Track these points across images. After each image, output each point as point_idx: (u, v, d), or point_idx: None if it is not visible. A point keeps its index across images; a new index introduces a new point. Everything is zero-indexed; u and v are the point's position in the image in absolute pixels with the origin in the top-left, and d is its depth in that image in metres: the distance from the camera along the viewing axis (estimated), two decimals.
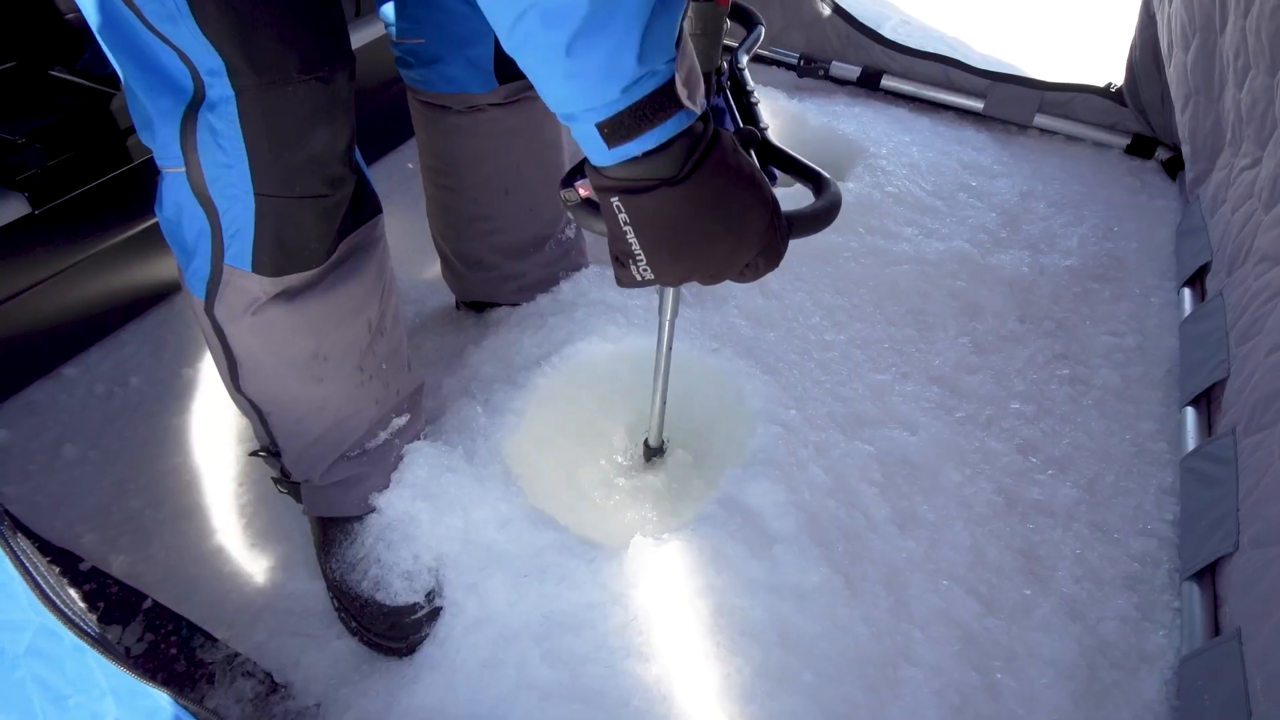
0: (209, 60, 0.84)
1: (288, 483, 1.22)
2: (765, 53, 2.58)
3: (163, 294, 1.65)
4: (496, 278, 1.53)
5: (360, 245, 1.07)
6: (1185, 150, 1.94)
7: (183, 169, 0.92)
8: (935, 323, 1.64)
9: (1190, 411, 1.45)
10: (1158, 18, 2.02)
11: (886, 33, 2.64)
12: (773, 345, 1.51)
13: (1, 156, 1.28)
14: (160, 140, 0.92)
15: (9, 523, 0.75)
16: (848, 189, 1.89)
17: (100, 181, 1.42)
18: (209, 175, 0.91)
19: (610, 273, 1.60)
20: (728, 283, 0.89)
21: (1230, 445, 1.25)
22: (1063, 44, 2.86)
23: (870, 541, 1.22)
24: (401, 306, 1.56)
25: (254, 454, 1.23)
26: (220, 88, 0.86)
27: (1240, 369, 1.35)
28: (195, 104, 0.88)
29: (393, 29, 1.30)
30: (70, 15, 1.28)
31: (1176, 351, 1.62)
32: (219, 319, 1.02)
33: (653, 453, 1.30)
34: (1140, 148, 2.24)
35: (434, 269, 1.64)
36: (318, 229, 0.98)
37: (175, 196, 0.95)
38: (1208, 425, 1.42)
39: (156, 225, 1.54)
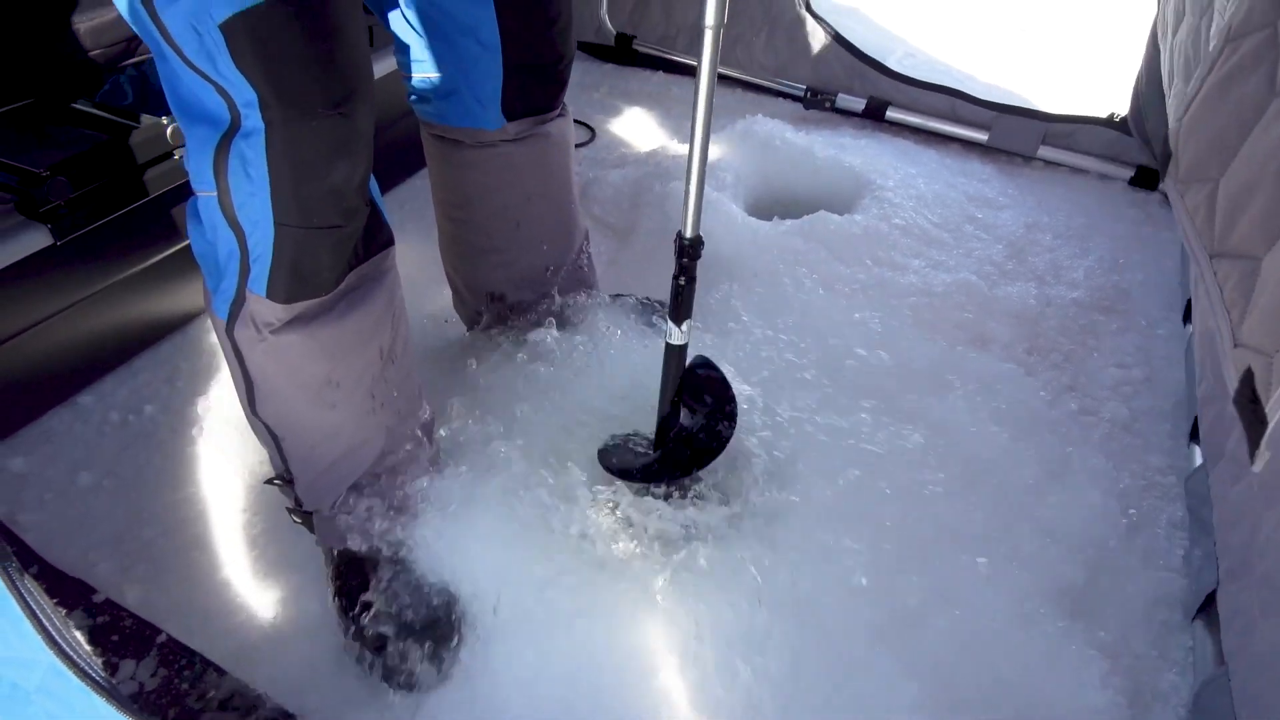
0: (244, 93, 0.89)
1: (301, 512, 1.23)
2: (772, 84, 2.62)
3: (178, 323, 1.67)
4: (507, 308, 1.55)
5: (371, 275, 1.09)
6: None
7: (214, 193, 0.96)
8: (938, 337, 1.65)
9: (1195, 446, 1.46)
10: (1161, 47, 2.05)
11: (892, 65, 2.67)
12: (779, 372, 1.52)
13: (26, 189, 1.31)
14: (195, 165, 0.97)
15: (16, 564, 0.76)
16: (855, 221, 1.91)
17: (120, 213, 1.45)
18: (237, 201, 0.95)
19: (619, 301, 1.63)
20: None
21: (1204, 479, 1.27)
22: (1067, 75, 2.89)
23: (888, 571, 1.23)
24: (413, 336, 1.58)
25: (269, 482, 1.24)
26: (253, 119, 0.90)
27: (1201, 400, 1.37)
28: (230, 133, 0.93)
29: (406, 64, 1.33)
30: (96, 53, 1.31)
31: (1184, 384, 1.63)
32: (239, 341, 1.05)
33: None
34: (1145, 179, 2.27)
35: (445, 299, 1.66)
36: (330, 258, 1.01)
37: (211, 219, 0.99)
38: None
39: (172, 256, 1.59)
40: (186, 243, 1.59)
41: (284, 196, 0.94)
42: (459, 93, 1.32)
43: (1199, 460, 1.42)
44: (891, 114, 2.47)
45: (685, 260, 1.08)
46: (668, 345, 1.15)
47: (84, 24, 1.29)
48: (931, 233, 1.95)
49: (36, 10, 1.32)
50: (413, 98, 1.38)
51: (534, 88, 1.34)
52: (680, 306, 1.11)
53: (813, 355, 1.57)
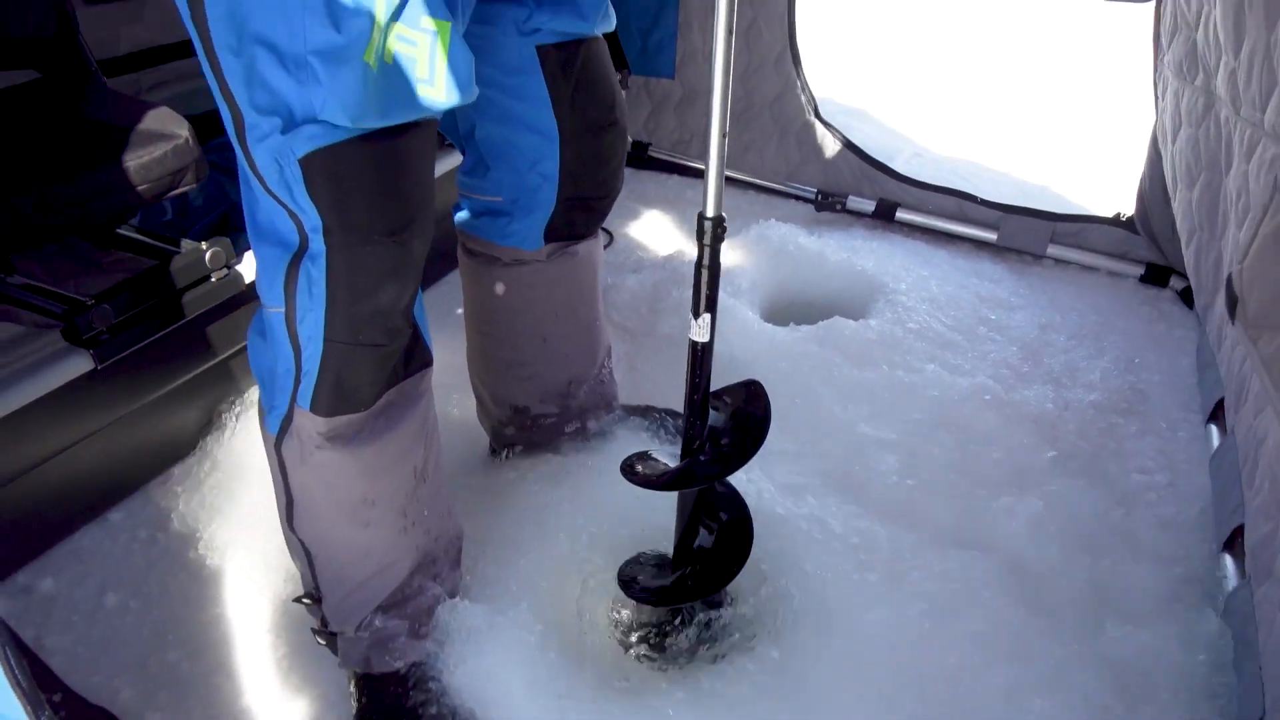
0: (313, 219, 0.96)
1: (326, 633, 1.24)
2: (783, 187, 2.70)
3: (208, 437, 1.70)
4: (530, 422, 1.58)
5: (408, 393, 1.14)
6: (1192, 282, 1.98)
7: (282, 309, 1.02)
8: (964, 462, 1.65)
9: (1227, 556, 1.44)
10: (1162, 153, 2.11)
11: (900, 165, 2.75)
12: (799, 489, 1.53)
13: (73, 318, 1.36)
14: (266, 282, 1.04)
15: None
16: (870, 326, 1.94)
17: (158, 336, 1.50)
18: (299, 317, 1.02)
19: (638, 416, 1.65)
20: None
21: (1248, 598, 1.24)
22: (1072, 174, 2.96)
23: (921, 689, 1.21)
24: (443, 453, 1.61)
25: (297, 600, 1.26)
26: (318, 243, 0.98)
27: (1250, 515, 1.35)
28: (300, 255, 1.00)
29: (468, 184, 1.40)
30: (143, 187, 1.38)
31: (1209, 490, 1.62)
32: (285, 457, 1.10)
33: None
34: (1155, 276, 2.30)
35: (470, 407, 1.69)
36: (372, 374, 1.06)
37: (277, 334, 1.05)
38: (1241, 570, 1.40)
39: (202, 375, 1.64)
40: (219, 359, 1.65)
41: (336, 314, 1.01)
42: (510, 215, 1.39)
43: (1232, 574, 1.40)
44: (902, 215, 2.53)
45: (708, 243, 1.02)
46: (691, 343, 1.09)
47: (133, 162, 1.37)
48: (946, 336, 1.98)
49: (92, 150, 1.40)
50: (460, 211, 1.45)
51: (580, 218, 1.41)
52: (702, 296, 1.04)
53: (833, 471, 1.57)
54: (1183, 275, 2.25)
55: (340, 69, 0.89)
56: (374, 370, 1.06)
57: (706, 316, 1.05)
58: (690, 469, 1.18)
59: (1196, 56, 1.76)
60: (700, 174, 2.80)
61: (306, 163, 0.93)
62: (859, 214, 2.59)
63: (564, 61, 1.24)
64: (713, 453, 1.18)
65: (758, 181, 2.73)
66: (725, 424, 1.20)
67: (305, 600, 1.23)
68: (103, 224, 1.56)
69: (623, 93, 1.33)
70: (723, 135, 0.97)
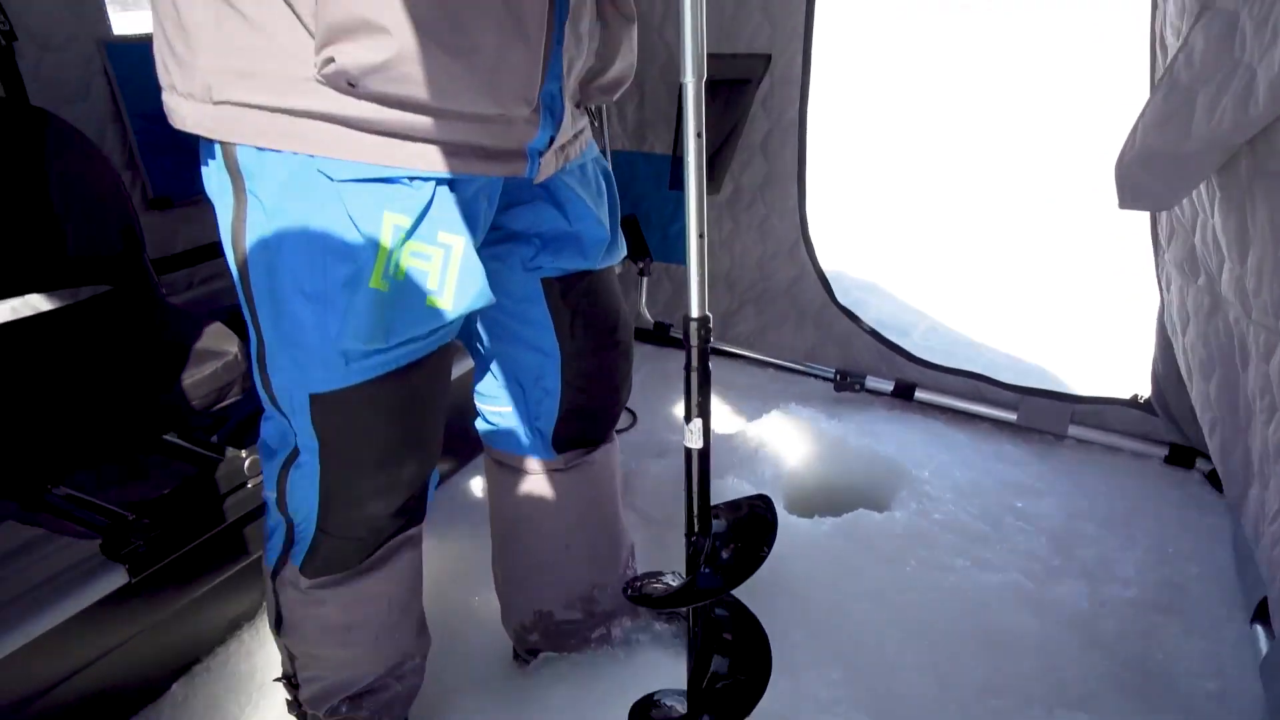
0: (311, 443, 1.10)
1: (299, 711, 1.37)
2: (802, 368, 2.77)
3: (239, 625, 1.70)
4: (554, 627, 1.56)
5: (393, 547, 1.27)
6: (1220, 471, 1.97)
7: (275, 495, 1.20)
8: (1001, 678, 1.59)
9: None
10: (1174, 341, 2.15)
11: (915, 338, 2.83)
12: (823, 692, 1.48)
13: (112, 533, 1.40)
14: (267, 471, 1.21)
15: None
16: (895, 519, 1.94)
17: (195, 544, 1.53)
18: (291, 505, 1.19)
19: (660, 624, 1.63)
20: None
21: None
22: (1084, 348, 3.02)
23: None
24: (466, 658, 1.59)
25: (277, 680, 1.41)
26: (311, 459, 1.12)
27: None
28: (291, 459, 1.15)
29: (480, 393, 1.46)
30: (195, 401, 1.45)
31: (1262, 699, 1.55)
32: (277, 587, 1.28)
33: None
34: (1180, 457, 2.29)
35: (495, 609, 1.67)
36: (358, 554, 1.22)
37: (273, 512, 1.22)
38: None
39: (238, 574, 1.65)
40: (251, 559, 1.66)
41: (327, 514, 1.16)
42: (521, 428, 1.44)
43: None
44: (920, 395, 2.57)
45: (695, 344, 0.99)
46: (685, 450, 1.05)
47: (188, 379, 1.45)
48: (972, 527, 1.96)
49: (151, 369, 1.49)
50: (479, 419, 1.50)
51: (587, 427, 1.45)
52: (694, 401, 1.01)
53: (864, 691, 1.52)
54: (1207, 457, 2.25)
55: (353, 297, 0.97)
56: (360, 551, 1.22)
57: (698, 422, 1.02)
58: (692, 585, 1.13)
59: (1197, 259, 1.84)
60: (723, 354, 2.91)
61: (315, 399, 1.05)
62: (878, 393, 2.64)
63: (565, 291, 1.30)
64: (716, 566, 1.13)
65: (777, 362, 2.81)
66: (728, 535, 1.16)
67: (283, 681, 1.38)
68: (150, 431, 1.63)
69: (626, 311, 1.41)
70: (700, 236, 0.98)
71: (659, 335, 2.98)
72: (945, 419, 2.50)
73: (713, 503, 1.16)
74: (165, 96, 0.98)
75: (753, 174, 2.70)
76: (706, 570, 1.13)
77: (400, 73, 0.86)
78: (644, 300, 2.92)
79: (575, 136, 1.18)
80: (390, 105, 0.90)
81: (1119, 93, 7.50)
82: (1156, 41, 1.84)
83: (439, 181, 0.99)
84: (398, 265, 0.98)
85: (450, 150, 0.96)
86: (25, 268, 1.58)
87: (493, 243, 1.22)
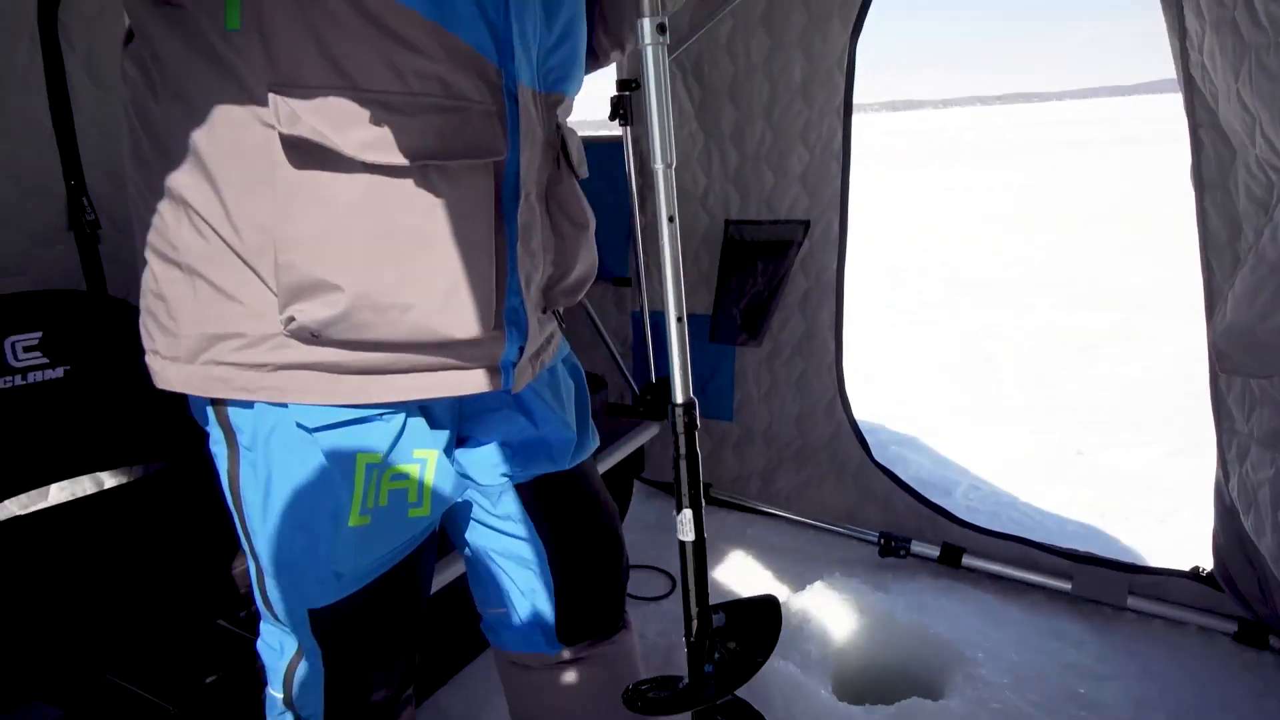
0: (314, 648, 1.12)
1: None
2: (844, 530, 2.71)
3: None
4: None
5: (396, 713, 1.23)
6: None
7: (282, 695, 1.19)
8: None
9: None
10: (1242, 517, 2.07)
11: (957, 497, 2.77)
12: None
13: None
14: (270, 672, 1.19)
15: None
16: (951, 709, 1.84)
17: None
18: (297, 702, 1.17)
19: None
20: None
21: None
22: (1138, 509, 2.94)
23: None
24: None
25: None
26: (315, 661, 1.13)
27: None
28: (296, 660, 1.15)
29: (478, 598, 1.42)
30: (245, 590, 1.45)
31: None
32: None
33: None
34: (1250, 635, 2.17)
35: None
36: None
37: (276, 706, 1.20)
38: None
39: None
40: None
41: (334, 707, 1.16)
42: (519, 624, 1.39)
43: None
44: (968, 561, 2.50)
45: (681, 431, 0.95)
46: (680, 543, 1.00)
47: (239, 567, 1.45)
48: (1034, 718, 1.85)
49: (207, 551, 1.50)
50: (481, 621, 1.47)
51: (588, 618, 1.40)
52: (684, 490, 0.96)
53: None
54: None
55: (337, 533, 1.03)
56: None
57: (688, 512, 0.98)
58: (689, 690, 1.05)
59: None
60: (762, 513, 2.87)
61: (314, 614, 1.08)
62: (923, 558, 2.56)
63: (539, 492, 1.28)
64: (717, 667, 1.06)
65: (818, 524, 2.76)
66: (728, 632, 1.09)
67: None
68: (201, 614, 1.62)
69: (609, 498, 1.37)
70: (680, 320, 0.97)
71: None
72: (996, 589, 2.41)
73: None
74: (149, 359, 1.03)
75: (791, 331, 2.74)
76: (709, 668, 1.07)
77: (357, 321, 0.92)
78: None
79: (547, 341, 1.19)
80: (355, 349, 0.95)
81: (1158, 242, 7.63)
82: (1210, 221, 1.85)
83: (409, 412, 1.03)
84: (378, 495, 1.03)
85: (421, 378, 1.00)
86: (92, 449, 1.64)
87: (463, 448, 1.22)
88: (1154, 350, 4.80)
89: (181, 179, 0.93)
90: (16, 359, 1.60)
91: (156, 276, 0.99)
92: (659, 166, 0.84)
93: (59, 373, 1.66)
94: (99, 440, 1.69)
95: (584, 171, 1.17)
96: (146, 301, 1.01)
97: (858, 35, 2.34)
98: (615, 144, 2.72)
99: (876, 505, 2.69)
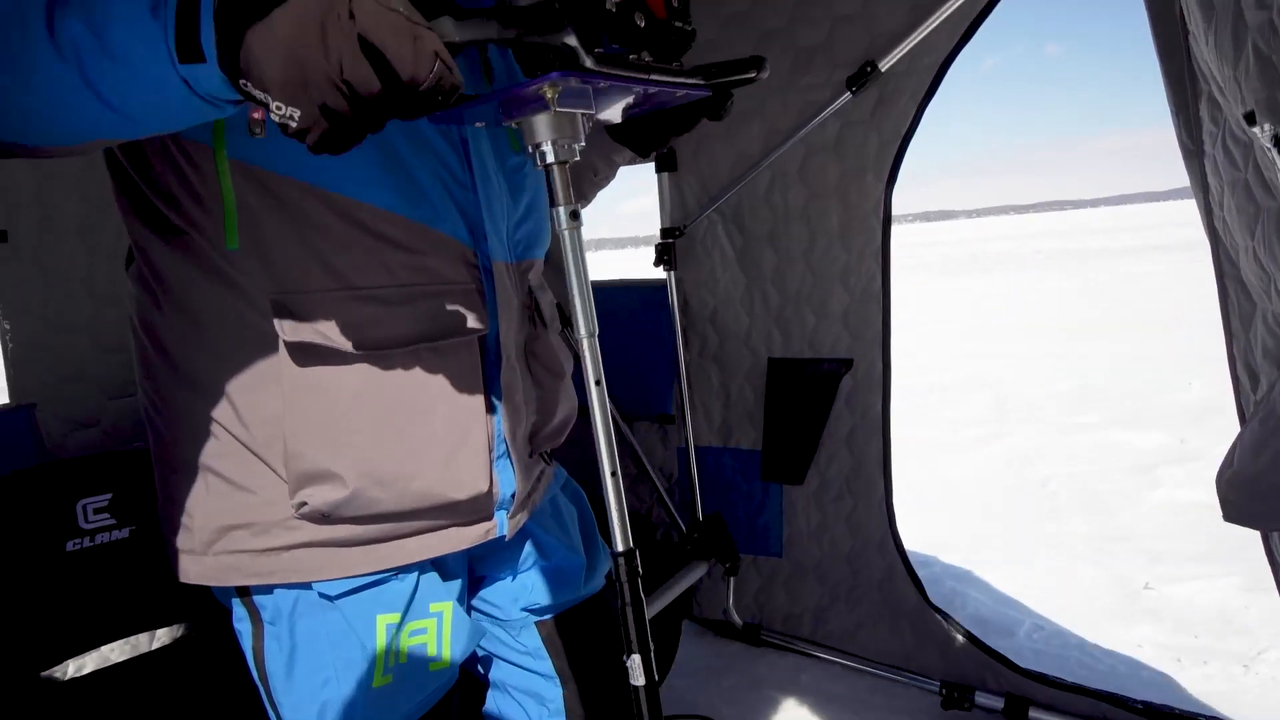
0: None
1: None
2: (902, 678, 2.60)
3: None
4: None
5: None
6: None
7: None
8: None
9: None
10: None
11: (1020, 638, 2.64)
12: None
13: None
14: None
15: None
16: None
17: None
18: None
19: None
20: None
21: None
22: (1221, 654, 2.77)
23: None
24: None
25: None
26: None
27: None
28: None
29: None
30: None
31: None
32: None
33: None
34: None
35: None
36: None
37: None
38: None
39: None
40: None
41: None
42: None
43: None
44: (1035, 715, 2.36)
45: (624, 579, 0.95)
46: (633, 687, 0.97)
47: None
48: None
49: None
50: None
51: None
52: (631, 635, 0.96)
53: None
54: None
55: (365, 694, 1.04)
56: None
57: (636, 657, 0.97)
58: None
59: None
60: (816, 656, 2.76)
61: None
62: (989, 710, 2.43)
63: (559, 628, 1.29)
64: None
65: (876, 670, 2.64)
66: None
67: None
68: None
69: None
70: (613, 474, 0.96)
71: (749, 636, 2.87)
72: None
73: None
74: (170, 550, 1.07)
75: (839, 467, 2.72)
76: None
77: (366, 498, 0.99)
78: (731, 600, 2.86)
79: (537, 481, 1.23)
80: (364, 523, 1.01)
81: (1205, 353, 7.50)
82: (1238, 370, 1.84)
83: (422, 569, 1.09)
84: (398, 652, 1.06)
85: (427, 539, 1.07)
86: (149, 606, 1.66)
87: (481, 588, 1.26)
88: (1214, 473, 4.63)
89: (190, 386, 0.99)
90: (87, 521, 1.66)
91: (167, 481, 1.04)
92: (583, 336, 0.91)
93: (125, 533, 1.70)
94: (156, 598, 1.72)
95: (556, 326, 1.24)
96: (161, 496, 1.06)
97: (892, 185, 2.42)
98: (660, 287, 2.81)
99: (935, 650, 2.58)
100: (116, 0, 0.64)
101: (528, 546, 1.27)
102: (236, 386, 0.97)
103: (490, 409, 1.08)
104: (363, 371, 0.97)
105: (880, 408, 2.61)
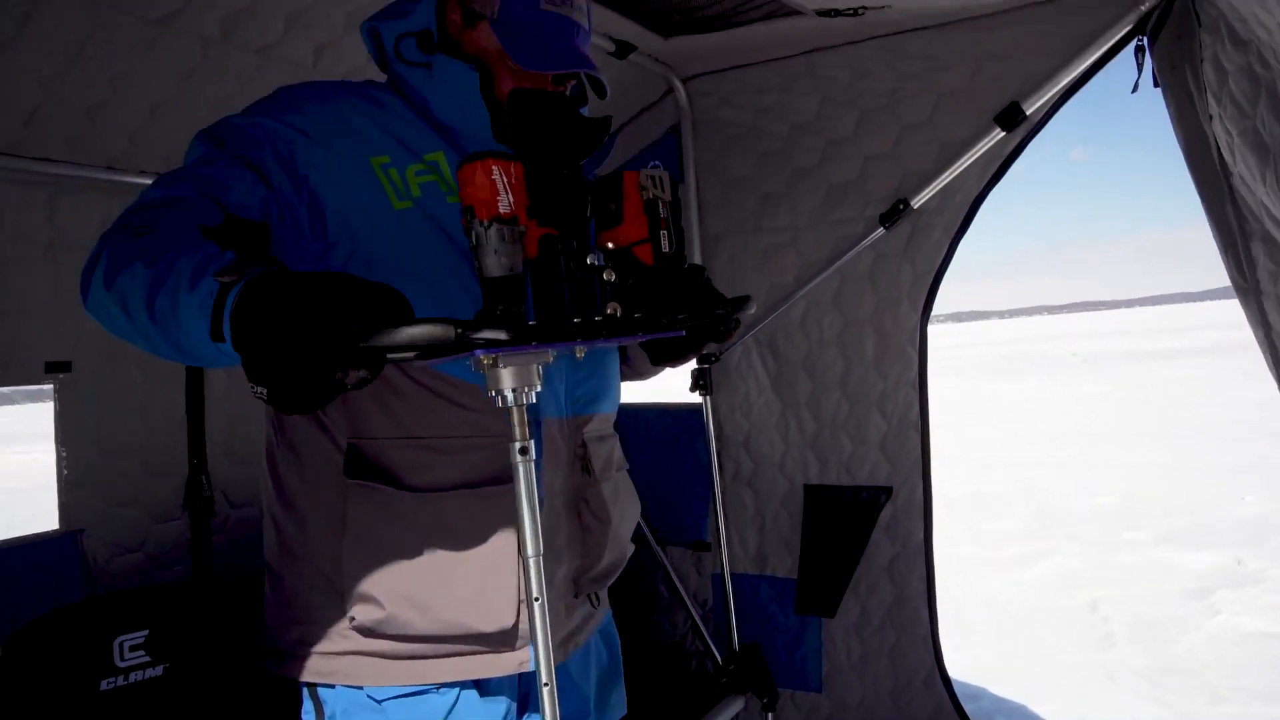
0: None
1: None
2: None
3: None
4: None
5: None
6: None
7: None
8: None
9: None
10: None
11: None
12: None
13: None
14: None
15: None
16: None
17: None
18: None
19: None
20: None
21: None
22: None
23: None
24: None
25: None
26: None
27: None
28: None
29: None
30: None
31: None
32: None
33: None
34: None
35: None
36: None
37: None
38: None
39: None
40: None
41: None
42: None
43: None
44: None
45: None
46: None
47: None
48: None
49: None
50: None
51: None
52: None
53: None
54: None
55: None
56: None
57: None
58: None
59: None
60: None
61: None
62: None
63: None
64: None
65: None
66: None
67: None
68: None
69: None
70: (547, 684, 0.99)
71: None
72: None
73: None
74: (265, 644, 1.22)
75: (880, 598, 2.63)
76: None
77: (403, 620, 1.11)
78: None
79: (581, 624, 1.28)
80: (402, 641, 1.13)
81: (1256, 464, 7.28)
82: None
83: (462, 686, 1.16)
84: None
85: (459, 662, 1.15)
86: None
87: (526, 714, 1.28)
88: (1277, 598, 4.41)
89: (288, 506, 1.18)
90: (122, 659, 1.65)
91: (272, 584, 1.21)
92: (529, 556, 0.98)
93: (159, 670, 1.69)
94: None
95: (609, 475, 1.30)
96: (266, 600, 1.23)
97: (928, 314, 2.44)
98: (695, 411, 2.82)
99: None
100: (185, 295, 0.86)
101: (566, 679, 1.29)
102: (317, 512, 1.15)
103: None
104: (410, 508, 1.11)
105: (922, 535, 2.55)
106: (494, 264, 0.87)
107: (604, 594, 1.37)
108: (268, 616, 1.23)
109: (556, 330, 0.89)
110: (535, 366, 0.93)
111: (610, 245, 1.02)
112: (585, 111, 1.21)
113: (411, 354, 0.78)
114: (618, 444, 1.36)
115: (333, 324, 0.77)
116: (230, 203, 1.01)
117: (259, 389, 0.80)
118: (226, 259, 0.87)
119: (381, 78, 1.22)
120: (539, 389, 0.95)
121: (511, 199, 0.88)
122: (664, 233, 1.03)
